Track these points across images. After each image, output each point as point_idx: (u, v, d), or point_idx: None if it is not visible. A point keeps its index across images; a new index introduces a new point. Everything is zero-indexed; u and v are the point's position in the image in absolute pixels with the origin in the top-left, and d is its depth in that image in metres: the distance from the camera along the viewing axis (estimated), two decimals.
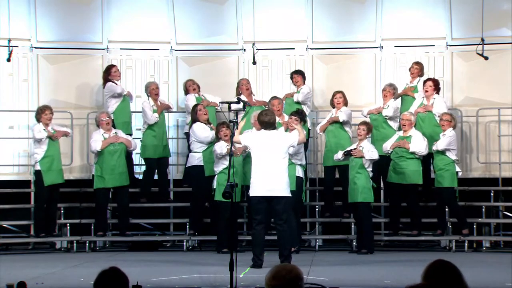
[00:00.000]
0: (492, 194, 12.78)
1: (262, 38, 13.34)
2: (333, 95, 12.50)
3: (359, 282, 8.78)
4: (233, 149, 9.69)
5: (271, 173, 9.74)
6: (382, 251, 11.99)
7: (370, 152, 11.31)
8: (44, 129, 12.00)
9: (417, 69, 12.79)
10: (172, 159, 13.37)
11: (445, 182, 11.75)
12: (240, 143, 10.22)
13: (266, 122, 9.93)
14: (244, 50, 13.66)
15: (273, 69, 13.78)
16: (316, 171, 13.25)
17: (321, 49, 13.76)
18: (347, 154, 11.38)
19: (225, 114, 12.17)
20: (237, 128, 10.03)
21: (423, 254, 11.59)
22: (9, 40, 12.71)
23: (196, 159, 12.05)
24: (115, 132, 12.21)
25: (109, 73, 12.85)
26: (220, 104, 12.37)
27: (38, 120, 12.10)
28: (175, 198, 13.35)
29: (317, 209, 12.77)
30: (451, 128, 11.84)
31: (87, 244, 12.25)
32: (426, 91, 12.35)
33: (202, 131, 11.99)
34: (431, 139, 11.95)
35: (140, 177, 13.11)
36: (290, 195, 10.01)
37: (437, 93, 12.44)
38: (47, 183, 11.96)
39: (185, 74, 13.71)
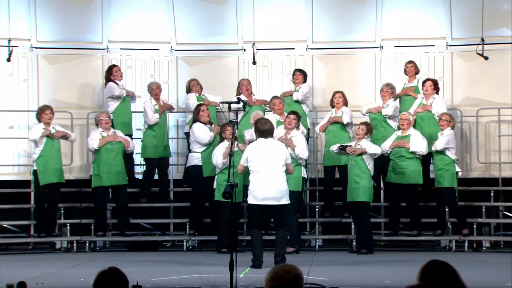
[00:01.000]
0: (492, 194, 12.78)
1: (262, 38, 13.35)
2: (333, 95, 12.50)
3: (359, 282, 8.78)
4: (233, 149, 9.65)
5: (270, 182, 9.73)
6: (382, 251, 11.99)
7: (371, 146, 11.32)
8: (43, 128, 12.00)
9: (413, 67, 12.80)
10: (172, 159, 13.37)
11: (445, 182, 11.75)
12: (245, 166, 10.06)
13: (265, 131, 9.89)
14: (244, 50, 13.67)
15: (273, 69, 13.78)
16: (316, 171, 13.24)
17: (321, 49, 13.76)
18: (342, 148, 11.39)
19: (225, 114, 12.20)
20: (237, 128, 10.01)
21: (423, 254, 11.59)
22: (9, 40, 12.72)
23: (195, 159, 12.05)
24: (114, 132, 12.22)
25: (110, 73, 12.86)
26: (220, 104, 12.40)
27: (39, 120, 12.11)
28: (175, 198, 13.36)
29: (317, 209, 12.78)
30: (449, 128, 11.85)
31: (87, 244, 12.25)
32: (426, 90, 12.35)
33: (201, 132, 11.98)
34: (431, 139, 11.95)
35: (141, 177, 13.12)
36: (289, 202, 10.01)
37: (437, 93, 12.44)
38: (42, 182, 11.97)
39: (185, 74, 13.71)
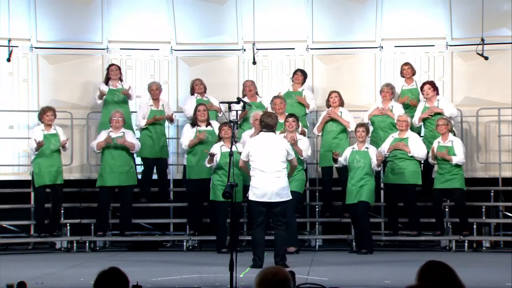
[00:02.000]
0: (492, 194, 12.79)
1: (262, 38, 13.34)
2: (329, 95, 12.49)
3: (359, 282, 8.78)
4: (233, 149, 9.64)
5: (270, 177, 9.73)
6: (382, 251, 12.00)
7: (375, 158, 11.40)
8: (42, 130, 12.01)
9: (409, 69, 12.80)
10: (172, 159, 13.37)
11: (456, 183, 11.76)
12: (245, 161, 10.08)
13: (267, 124, 9.90)
14: (244, 50, 13.67)
15: (273, 69, 13.78)
16: (316, 171, 13.24)
17: (321, 49, 13.76)
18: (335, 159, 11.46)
19: (226, 114, 12.23)
20: (237, 129, 10.03)
21: (423, 254, 11.59)
22: (9, 40, 12.71)
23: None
24: (123, 133, 12.18)
25: (107, 72, 12.90)
26: (220, 104, 12.41)
27: (40, 120, 12.12)
28: (175, 198, 13.36)
29: (317, 209, 12.78)
30: (451, 133, 11.86)
31: (87, 244, 12.25)
32: (427, 94, 12.31)
33: (184, 136, 12.15)
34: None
35: (140, 177, 13.12)
36: (290, 197, 10.00)
37: (437, 94, 12.43)
38: (37, 184, 12.00)
39: (185, 74, 13.72)
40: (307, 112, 12.85)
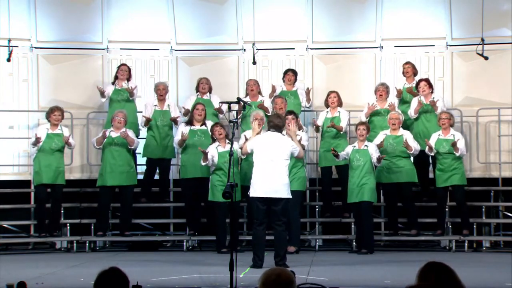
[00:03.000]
0: (492, 194, 12.79)
1: (262, 38, 13.34)
2: (328, 95, 12.50)
3: (359, 282, 8.78)
4: (233, 149, 9.65)
5: (272, 174, 9.76)
6: (382, 251, 11.99)
7: (375, 152, 11.38)
8: (47, 128, 12.05)
9: (410, 68, 12.81)
10: (172, 159, 13.35)
11: (457, 180, 11.77)
12: (247, 152, 10.17)
13: (276, 125, 9.98)
14: (244, 50, 13.67)
15: (273, 69, 13.78)
16: (316, 171, 13.24)
17: (321, 49, 13.76)
18: (336, 155, 11.44)
19: (226, 114, 12.23)
20: (237, 129, 10.05)
21: (423, 254, 11.60)
22: (9, 40, 12.71)
23: None
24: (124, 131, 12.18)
25: (117, 70, 12.96)
26: (220, 104, 12.42)
27: (48, 119, 12.15)
28: (175, 198, 13.35)
29: (317, 209, 12.78)
30: (453, 128, 11.90)
31: (87, 244, 12.25)
32: (424, 91, 12.34)
33: (177, 134, 12.16)
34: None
35: (141, 177, 13.12)
36: (290, 196, 10.01)
37: (432, 92, 12.44)
38: (35, 182, 12.04)
39: (185, 74, 13.72)
40: (302, 108, 12.85)
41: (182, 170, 12.22)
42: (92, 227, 12.53)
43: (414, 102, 12.39)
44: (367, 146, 11.45)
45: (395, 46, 13.61)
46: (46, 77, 13.49)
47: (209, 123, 12.12)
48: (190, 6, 13.81)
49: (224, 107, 12.37)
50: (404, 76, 12.86)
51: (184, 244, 12.24)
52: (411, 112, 12.34)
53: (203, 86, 12.81)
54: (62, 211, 12.52)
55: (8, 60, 12.76)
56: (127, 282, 4.41)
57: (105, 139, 12.09)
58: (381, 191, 12.64)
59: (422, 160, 12.29)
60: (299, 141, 11.05)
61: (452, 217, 12.27)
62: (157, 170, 12.96)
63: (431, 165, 12.48)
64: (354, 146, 11.56)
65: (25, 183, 13.05)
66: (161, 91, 12.79)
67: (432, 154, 11.92)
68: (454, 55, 13.46)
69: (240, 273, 8.76)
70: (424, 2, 13.55)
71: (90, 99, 13.48)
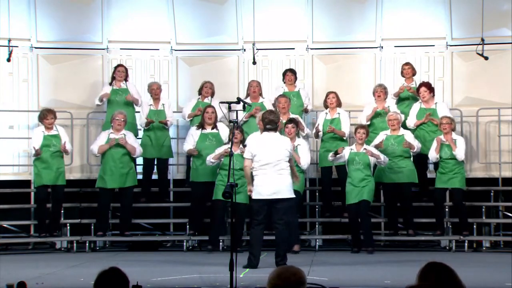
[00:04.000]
0: (492, 194, 12.79)
1: (262, 38, 13.35)
2: (326, 96, 12.49)
3: (359, 282, 8.78)
4: (234, 149, 9.65)
5: (274, 176, 9.74)
6: (382, 251, 12.00)
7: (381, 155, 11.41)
8: (43, 131, 12.02)
9: (410, 68, 12.81)
10: (172, 159, 13.35)
11: (457, 183, 11.78)
12: (250, 160, 10.05)
13: (271, 120, 9.90)
14: (244, 50, 13.67)
15: (273, 69, 13.78)
16: (316, 171, 13.24)
17: (321, 49, 13.76)
18: (336, 153, 11.43)
19: (226, 114, 12.23)
20: (237, 129, 10.03)
21: (423, 254, 11.60)
22: (9, 40, 12.72)
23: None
24: (124, 134, 12.15)
25: (114, 71, 12.94)
26: (220, 104, 12.39)
27: (41, 122, 12.12)
28: (175, 198, 13.35)
29: (317, 209, 12.78)
30: (454, 132, 11.90)
31: (87, 244, 12.25)
32: (424, 97, 12.33)
33: (187, 139, 12.16)
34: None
35: (141, 177, 13.12)
36: (294, 196, 10.00)
37: (433, 95, 12.43)
38: (36, 184, 12.05)
39: (185, 74, 13.73)
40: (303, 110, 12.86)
41: (193, 173, 12.16)
42: (92, 227, 12.53)
43: (413, 111, 12.35)
44: (365, 150, 11.45)
45: (395, 46, 13.61)
46: (46, 77, 13.49)
47: (221, 126, 12.14)
48: (190, 6, 13.82)
49: (223, 106, 12.36)
50: (403, 76, 12.86)
51: (184, 244, 12.24)
52: (410, 124, 12.32)
53: (207, 90, 12.80)
54: (62, 211, 12.52)
55: (8, 60, 12.76)
56: (127, 282, 4.41)
57: (105, 141, 12.08)
58: (381, 191, 12.67)
59: (421, 160, 12.29)
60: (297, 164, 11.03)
61: (452, 217, 12.27)
62: (155, 170, 12.96)
63: (430, 165, 12.49)
64: (351, 149, 11.56)
65: (25, 183, 13.06)
66: (155, 90, 12.81)
67: (436, 160, 11.90)
68: (454, 55, 13.46)
69: (240, 273, 8.76)
70: (424, 2, 13.55)
71: (90, 99, 13.47)
